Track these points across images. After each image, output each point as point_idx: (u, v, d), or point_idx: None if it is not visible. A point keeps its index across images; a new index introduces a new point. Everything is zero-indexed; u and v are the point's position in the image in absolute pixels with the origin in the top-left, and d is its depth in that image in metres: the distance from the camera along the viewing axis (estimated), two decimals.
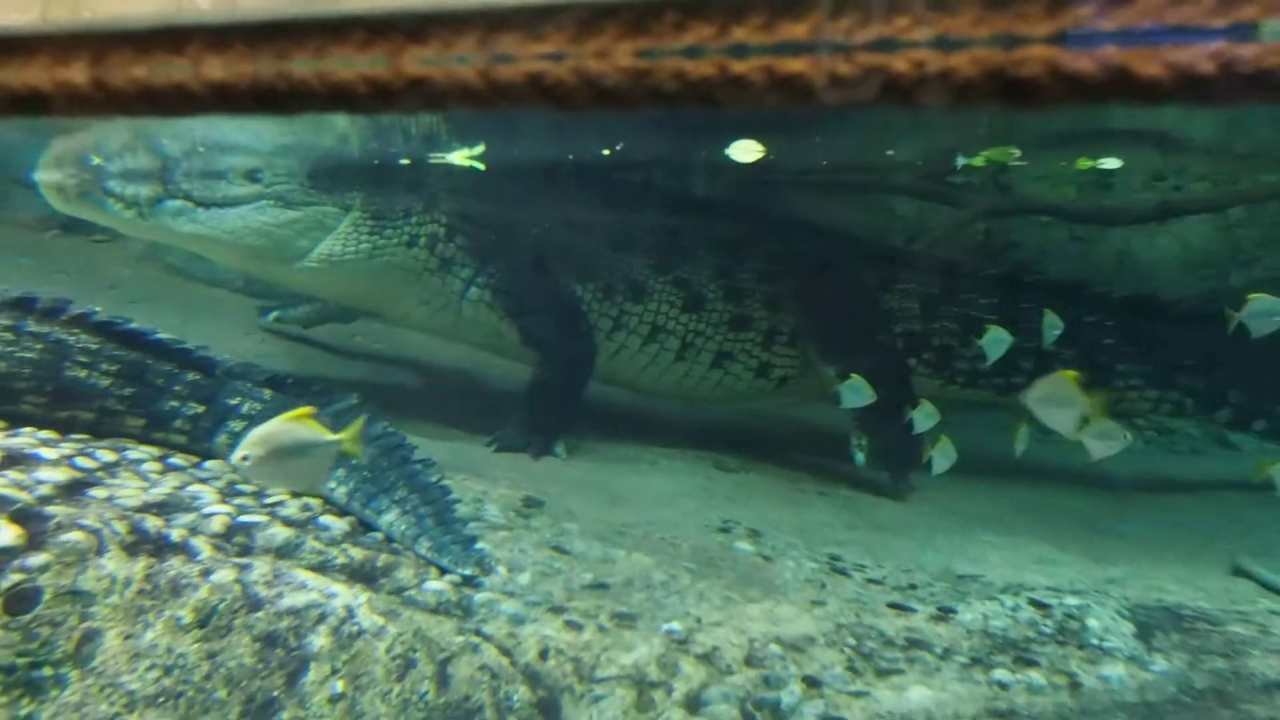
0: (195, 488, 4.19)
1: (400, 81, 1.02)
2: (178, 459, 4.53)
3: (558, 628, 3.79)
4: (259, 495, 4.23)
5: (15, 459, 4.01)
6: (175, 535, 3.71)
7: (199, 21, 1.07)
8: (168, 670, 3.31)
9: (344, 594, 3.62)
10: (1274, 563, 5.51)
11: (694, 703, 3.62)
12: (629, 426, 6.96)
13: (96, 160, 5.69)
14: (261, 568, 3.64)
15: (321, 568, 3.80)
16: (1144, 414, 7.55)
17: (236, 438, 4.24)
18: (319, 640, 3.46)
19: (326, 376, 6.53)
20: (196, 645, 3.38)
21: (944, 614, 4.35)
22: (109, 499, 3.90)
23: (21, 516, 3.56)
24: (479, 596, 3.91)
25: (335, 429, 3.81)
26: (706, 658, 3.80)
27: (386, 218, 6.16)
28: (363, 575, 3.86)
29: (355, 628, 3.52)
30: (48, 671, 3.26)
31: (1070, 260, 8.92)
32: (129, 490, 4.03)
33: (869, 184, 9.27)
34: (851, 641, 4.06)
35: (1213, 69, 0.85)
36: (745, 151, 7.28)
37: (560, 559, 4.35)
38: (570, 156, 7.08)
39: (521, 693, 3.53)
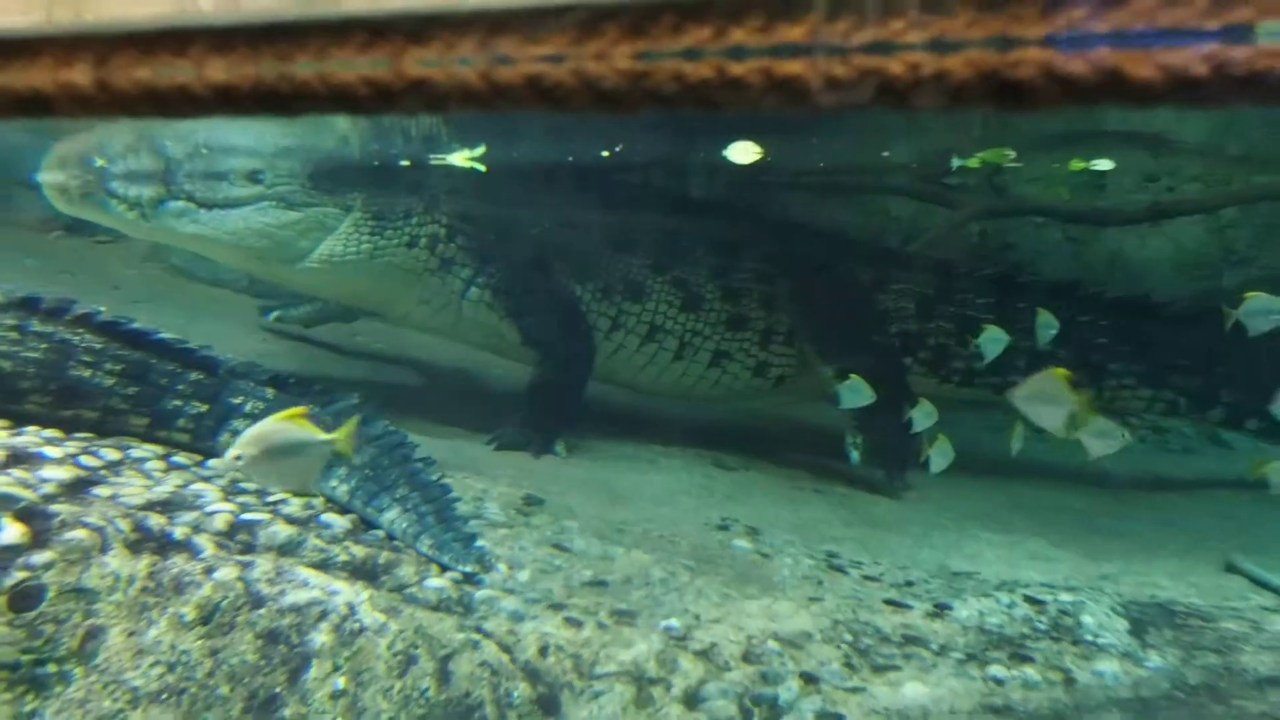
0: (198, 486, 4.21)
1: (401, 83, 1.02)
2: (181, 457, 4.54)
3: (557, 624, 3.81)
4: (261, 493, 4.24)
5: (20, 457, 4.02)
6: (178, 533, 3.73)
7: (202, 23, 1.07)
8: (171, 667, 3.33)
9: (346, 591, 3.63)
10: (1266, 559, 5.54)
11: (692, 699, 3.64)
12: (628, 425, 6.97)
13: (100, 162, 5.70)
14: (264, 565, 3.66)
15: (323, 565, 3.82)
16: (1138, 413, 7.56)
17: (239, 436, 4.26)
18: (321, 637, 3.48)
19: (328, 376, 6.54)
20: (199, 642, 3.39)
21: (940, 610, 4.37)
22: (113, 497, 3.92)
23: (26, 514, 3.58)
24: (479, 594, 3.92)
25: (337, 428, 3.83)
26: (705, 654, 3.82)
27: (387, 218, 6.18)
28: (364, 572, 3.88)
29: (357, 625, 3.53)
30: (52, 668, 3.28)
31: (1064, 261, 8.94)
32: (133, 488, 4.04)
33: (865, 185, 9.29)
34: (848, 638, 4.07)
35: (1205, 71, 0.86)
36: (743, 153, 7.30)
37: (560, 556, 4.37)
38: (570, 158, 7.10)
39: (521, 689, 3.54)
